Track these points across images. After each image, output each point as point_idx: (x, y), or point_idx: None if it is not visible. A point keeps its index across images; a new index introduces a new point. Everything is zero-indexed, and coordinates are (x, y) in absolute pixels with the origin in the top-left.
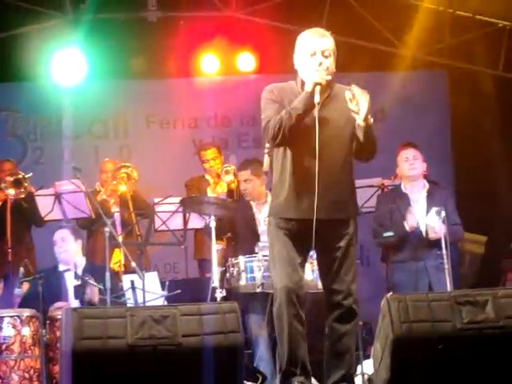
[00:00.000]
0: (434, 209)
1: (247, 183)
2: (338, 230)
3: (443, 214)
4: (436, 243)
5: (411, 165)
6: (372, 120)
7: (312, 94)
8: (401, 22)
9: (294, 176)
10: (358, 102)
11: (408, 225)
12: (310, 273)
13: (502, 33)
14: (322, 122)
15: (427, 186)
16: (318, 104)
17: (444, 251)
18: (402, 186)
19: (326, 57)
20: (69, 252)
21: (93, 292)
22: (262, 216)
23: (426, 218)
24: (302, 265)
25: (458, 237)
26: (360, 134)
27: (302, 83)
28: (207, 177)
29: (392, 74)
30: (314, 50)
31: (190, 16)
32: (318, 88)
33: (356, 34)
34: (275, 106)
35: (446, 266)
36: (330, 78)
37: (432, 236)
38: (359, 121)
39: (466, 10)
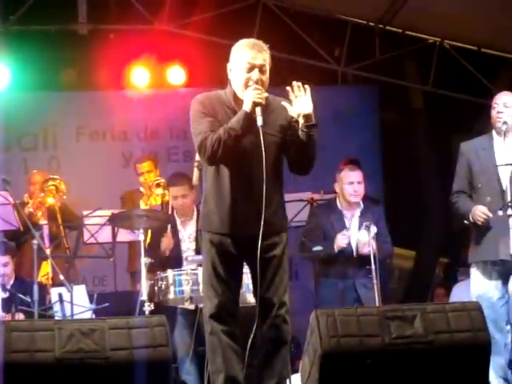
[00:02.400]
0: (365, 223)
1: (184, 198)
2: (272, 241)
3: (374, 229)
4: (365, 260)
5: (355, 191)
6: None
7: (251, 114)
8: (332, 37)
9: (231, 191)
10: (299, 100)
11: (336, 245)
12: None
13: (431, 49)
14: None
15: (362, 206)
16: (262, 127)
17: (373, 266)
18: (338, 203)
19: (264, 72)
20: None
21: None
22: (186, 233)
23: (357, 233)
24: (236, 280)
25: (388, 254)
26: (303, 136)
27: (235, 96)
28: (141, 189)
29: (323, 88)
30: (251, 65)
31: (120, 29)
32: (258, 109)
33: (287, 49)
34: (208, 120)
35: (375, 281)
36: (267, 95)
37: (362, 251)
38: (301, 119)
39: (396, 26)
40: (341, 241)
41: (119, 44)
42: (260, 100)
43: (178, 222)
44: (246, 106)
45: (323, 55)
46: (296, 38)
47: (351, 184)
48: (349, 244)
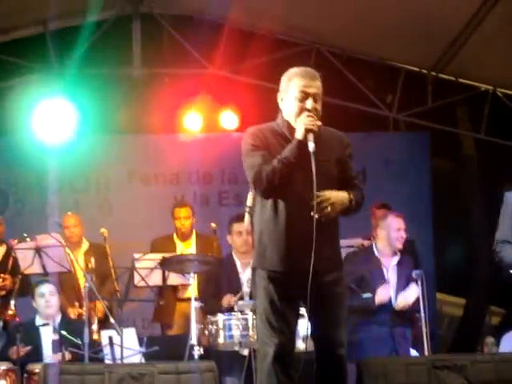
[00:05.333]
0: (414, 273)
1: (248, 234)
2: (333, 277)
3: (420, 276)
4: (403, 311)
5: (402, 237)
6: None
7: (304, 142)
8: (384, 84)
9: (286, 226)
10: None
11: (377, 298)
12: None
13: (484, 96)
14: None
15: (399, 254)
16: (314, 153)
17: (422, 315)
18: (374, 248)
19: (317, 101)
20: (53, 307)
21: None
22: (245, 276)
23: (401, 291)
24: (295, 319)
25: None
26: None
27: (289, 125)
28: (175, 236)
29: (375, 135)
30: (305, 94)
31: (174, 73)
32: (311, 136)
33: (340, 94)
34: (261, 153)
35: (424, 329)
36: (320, 123)
37: (404, 308)
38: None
39: (448, 74)
40: (382, 295)
41: (173, 88)
42: (312, 127)
43: (239, 264)
44: (299, 134)
45: (375, 101)
46: (349, 84)
47: (398, 231)
48: (388, 300)
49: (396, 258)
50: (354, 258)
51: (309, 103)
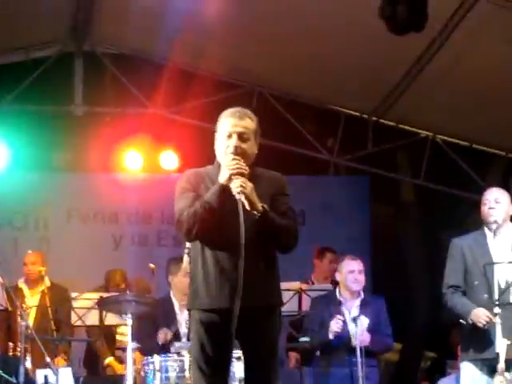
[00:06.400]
0: (352, 316)
1: (185, 277)
2: (264, 315)
3: (365, 321)
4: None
5: (356, 280)
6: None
7: (228, 186)
8: (325, 128)
9: (216, 265)
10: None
11: (330, 330)
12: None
13: (424, 143)
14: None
15: (362, 295)
16: (240, 200)
17: (358, 359)
18: (337, 293)
19: (245, 140)
20: None
21: None
22: (183, 317)
23: (355, 326)
24: (225, 363)
25: (388, 347)
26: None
27: (219, 166)
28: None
29: (315, 178)
30: (230, 132)
31: (115, 111)
32: (238, 180)
33: (281, 137)
34: (190, 196)
35: (360, 374)
36: (246, 169)
37: (354, 343)
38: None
39: (389, 119)
40: (333, 325)
41: (114, 127)
42: (236, 170)
43: (177, 305)
44: (222, 178)
45: (316, 145)
46: (290, 127)
47: (352, 272)
48: (347, 333)
49: (358, 300)
50: (317, 302)
51: (232, 141)
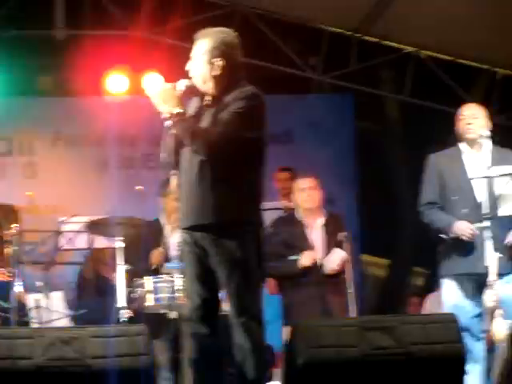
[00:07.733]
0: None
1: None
2: (222, 236)
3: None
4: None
5: (309, 196)
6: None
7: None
8: (308, 46)
9: (182, 188)
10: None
11: (300, 263)
12: None
13: (407, 58)
14: None
15: (324, 216)
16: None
17: (349, 276)
18: (296, 214)
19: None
20: None
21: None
22: (173, 240)
23: (326, 256)
24: (208, 279)
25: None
26: None
27: None
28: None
29: (299, 97)
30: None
31: (96, 34)
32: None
33: (264, 56)
34: None
35: (349, 291)
36: (186, 83)
37: (329, 271)
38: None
39: (372, 35)
40: (305, 260)
41: (96, 49)
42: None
43: (167, 228)
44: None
45: (299, 64)
46: (272, 46)
47: (303, 190)
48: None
49: (321, 220)
50: (277, 222)
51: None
